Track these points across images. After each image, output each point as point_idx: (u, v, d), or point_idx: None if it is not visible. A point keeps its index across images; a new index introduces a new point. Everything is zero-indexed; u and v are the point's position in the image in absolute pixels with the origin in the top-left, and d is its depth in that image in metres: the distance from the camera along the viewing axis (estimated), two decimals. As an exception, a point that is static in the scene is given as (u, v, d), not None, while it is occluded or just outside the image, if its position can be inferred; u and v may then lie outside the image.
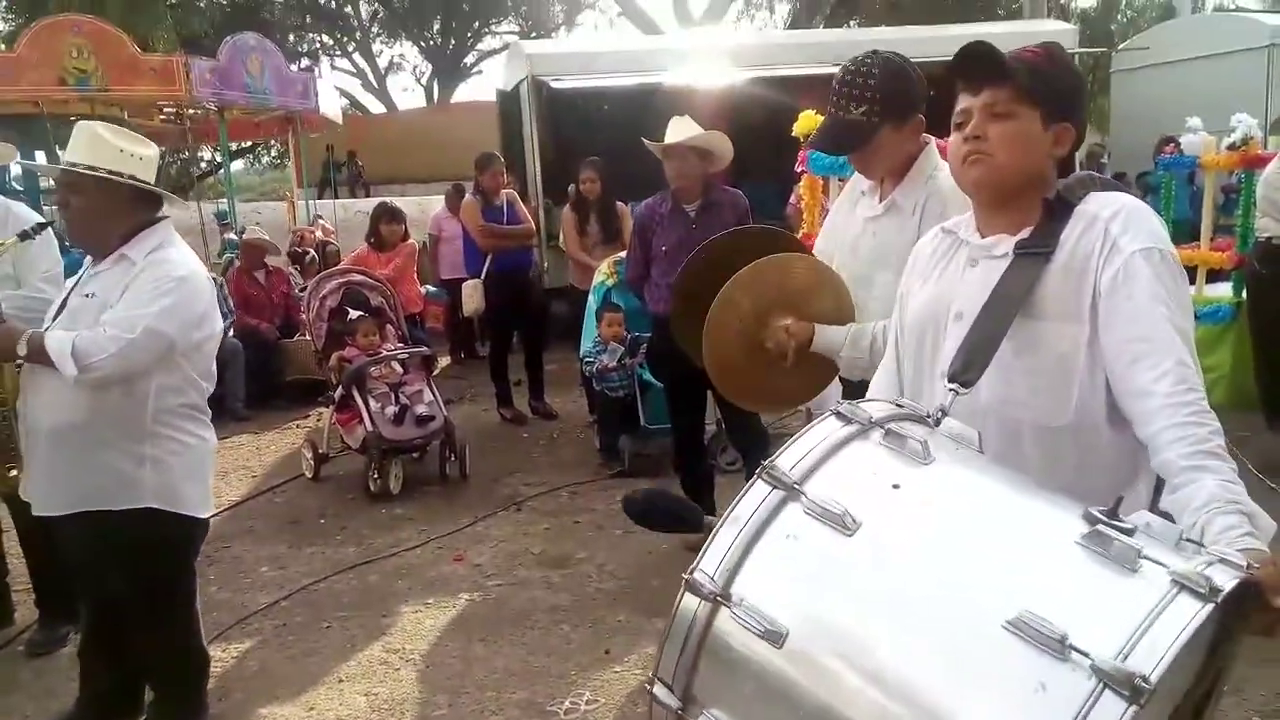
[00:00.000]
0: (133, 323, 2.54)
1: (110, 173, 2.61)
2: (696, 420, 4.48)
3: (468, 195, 7.03)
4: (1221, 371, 6.06)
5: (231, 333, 6.98)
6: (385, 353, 5.66)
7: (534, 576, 4.20)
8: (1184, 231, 7.11)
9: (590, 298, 5.93)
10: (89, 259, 2.80)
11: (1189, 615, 1.00)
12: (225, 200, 11.39)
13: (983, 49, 1.59)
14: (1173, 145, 7.39)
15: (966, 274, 1.68)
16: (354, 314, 5.83)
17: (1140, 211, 1.58)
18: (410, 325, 6.61)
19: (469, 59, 29.65)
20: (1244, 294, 6.03)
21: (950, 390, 1.48)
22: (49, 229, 3.17)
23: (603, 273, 5.91)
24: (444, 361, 8.57)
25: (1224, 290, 6.39)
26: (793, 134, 5.10)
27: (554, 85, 9.13)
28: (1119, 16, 24.20)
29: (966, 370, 1.51)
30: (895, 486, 1.20)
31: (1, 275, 3.27)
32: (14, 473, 2.91)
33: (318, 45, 27.57)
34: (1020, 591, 1.05)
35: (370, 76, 29.75)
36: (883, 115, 2.30)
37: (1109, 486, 1.39)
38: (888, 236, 2.41)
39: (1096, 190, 1.63)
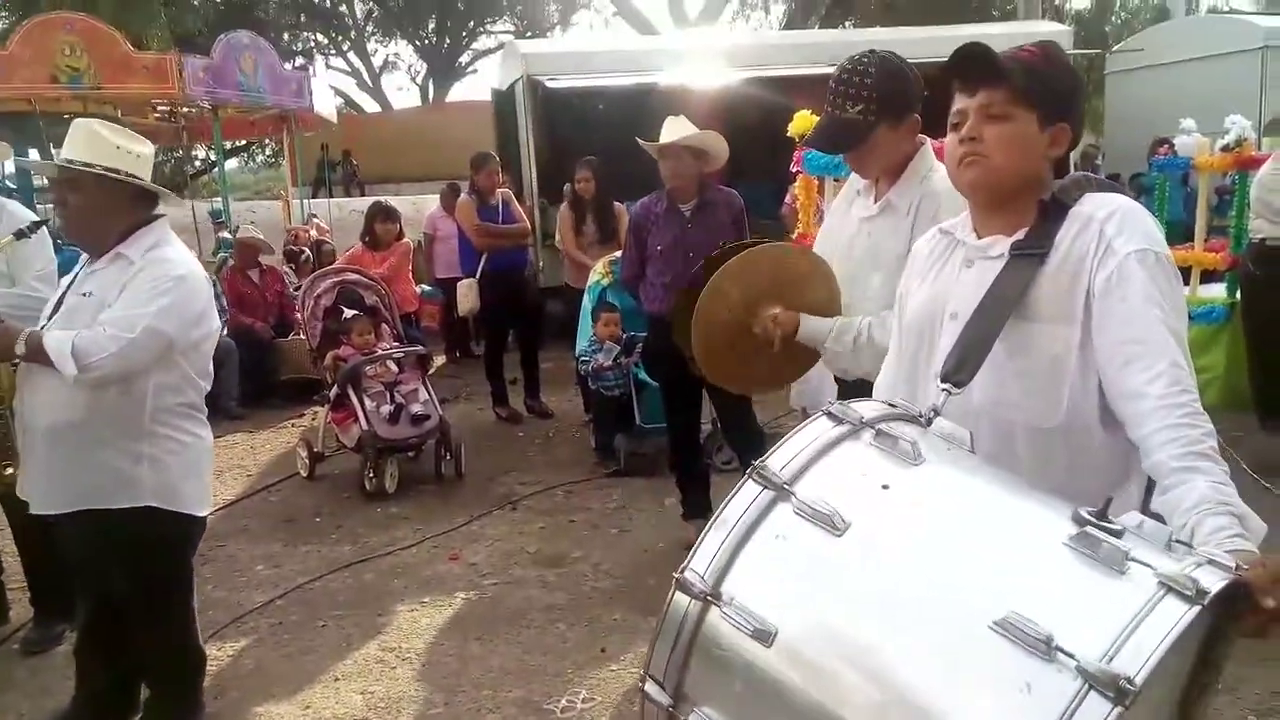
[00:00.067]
0: (132, 322, 2.54)
1: (108, 170, 2.61)
2: (692, 419, 4.48)
3: (463, 194, 7.03)
4: (1215, 372, 6.08)
5: (225, 332, 6.97)
6: (380, 352, 5.67)
7: (529, 575, 4.20)
8: (1178, 233, 7.13)
9: (585, 297, 5.94)
10: (84, 257, 2.80)
11: (1175, 617, 1.01)
12: (219, 199, 11.36)
13: (978, 50, 1.58)
14: (1167, 147, 7.41)
15: (962, 275, 1.68)
16: (349, 313, 5.83)
17: (1135, 213, 1.58)
18: (405, 324, 6.61)
19: (464, 58, 29.64)
20: (1238, 295, 6.05)
21: (943, 390, 1.49)
22: (44, 227, 3.16)
23: (598, 272, 5.91)
24: (439, 360, 8.57)
25: (1218, 291, 6.41)
26: (788, 134, 5.11)
27: (549, 85, 9.13)
28: (1113, 18, 24.23)
29: (959, 370, 1.52)
30: (885, 487, 1.21)
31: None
32: (10, 471, 2.91)
33: (312, 44, 27.50)
34: (1008, 592, 1.06)
35: (365, 75, 29.72)
36: (879, 114, 2.31)
37: (1101, 488, 1.39)
38: (881, 236, 2.43)
39: (1092, 191, 1.63)
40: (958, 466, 1.31)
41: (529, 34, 26.18)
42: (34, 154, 9.57)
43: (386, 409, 5.38)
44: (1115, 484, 1.57)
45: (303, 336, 6.25)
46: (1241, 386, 5.86)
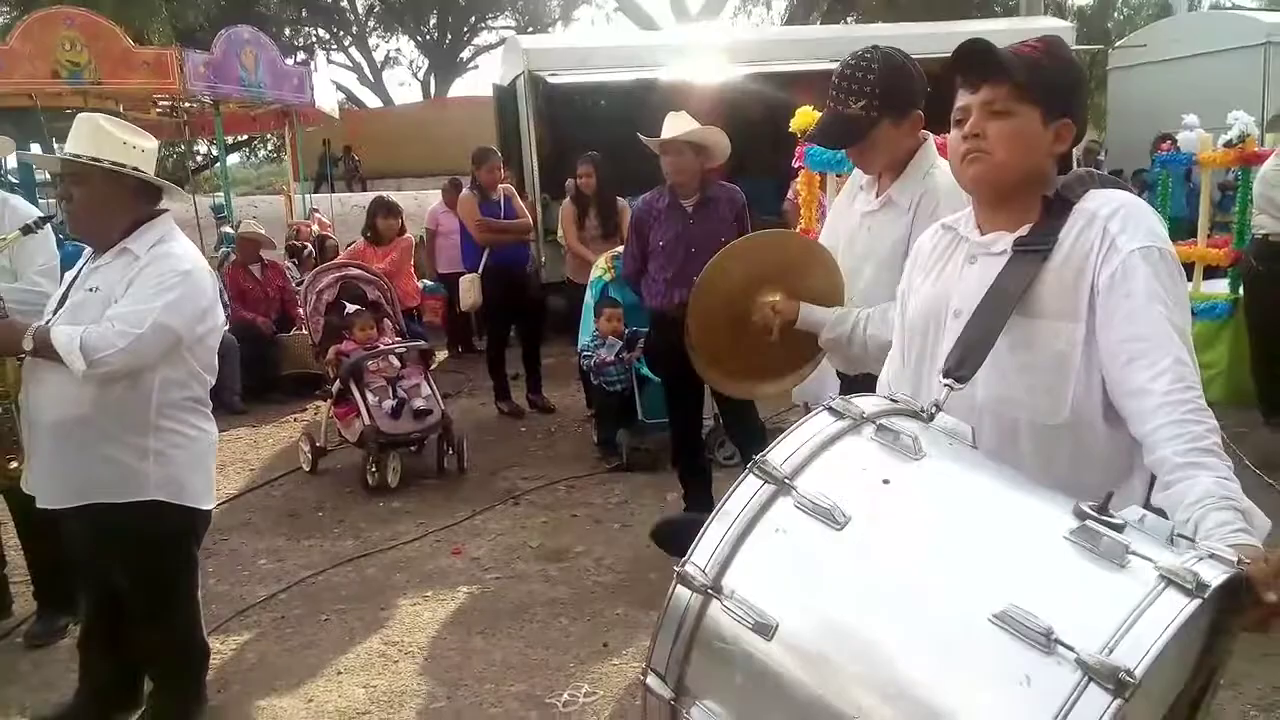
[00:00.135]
0: (140, 318, 2.54)
1: (114, 164, 2.61)
2: (694, 415, 4.49)
3: (465, 190, 7.03)
4: (1218, 368, 6.08)
5: (227, 327, 6.97)
6: (383, 347, 5.67)
7: (532, 570, 4.21)
8: (1181, 228, 7.13)
9: (587, 292, 5.94)
10: (88, 252, 2.80)
11: (1175, 610, 1.01)
12: (221, 194, 11.36)
13: (981, 46, 1.58)
14: (1169, 142, 7.42)
15: (965, 271, 1.68)
16: (351, 308, 5.84)
17: (1139, 209, 1.58)
18: (407, 319, 6.61)
19: (465, 54, 29.65)
20: (1241, 290, 6.05)
21: (945, 385, 1.49)
22: (49, 223, 3.16)
23: (600, 268, 5.92)
24: (441, 355, 8.58)
25: (1221, 287, 6.41)
26: (789, 130, 5.11)
27: (551, 80, 9.13)
28: (1115, 14, 24.21)
29: (961, 366, 1.51)
30: (886, 481, 1.21)
31: (-2, 268, 3.28)
32: (14, 465, 2.91)
33: (314, 39, 27.51)
34: (1008, 585, 1.06)
35: (366, 71, 29.73)
36: (881, 110, 2.31)
37: (1104, 484, 1.38)
38: (882, 232, 2.43)
39: (1095, 187, 1.63)
40: (959, 461, 1.31)
41: (530, 29, 26.18)
42: (35, 149, 9.57)
43: (389, 404, 5.39)
44: (1119, 480, 1.57)
45: (305, 331, 6.25)
46: (1245, 382, 5.86)
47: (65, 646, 3.45)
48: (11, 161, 11.00)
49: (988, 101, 1.58)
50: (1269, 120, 6.65)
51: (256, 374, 7.41)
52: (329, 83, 13.64)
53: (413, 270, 7.95)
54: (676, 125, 4.25)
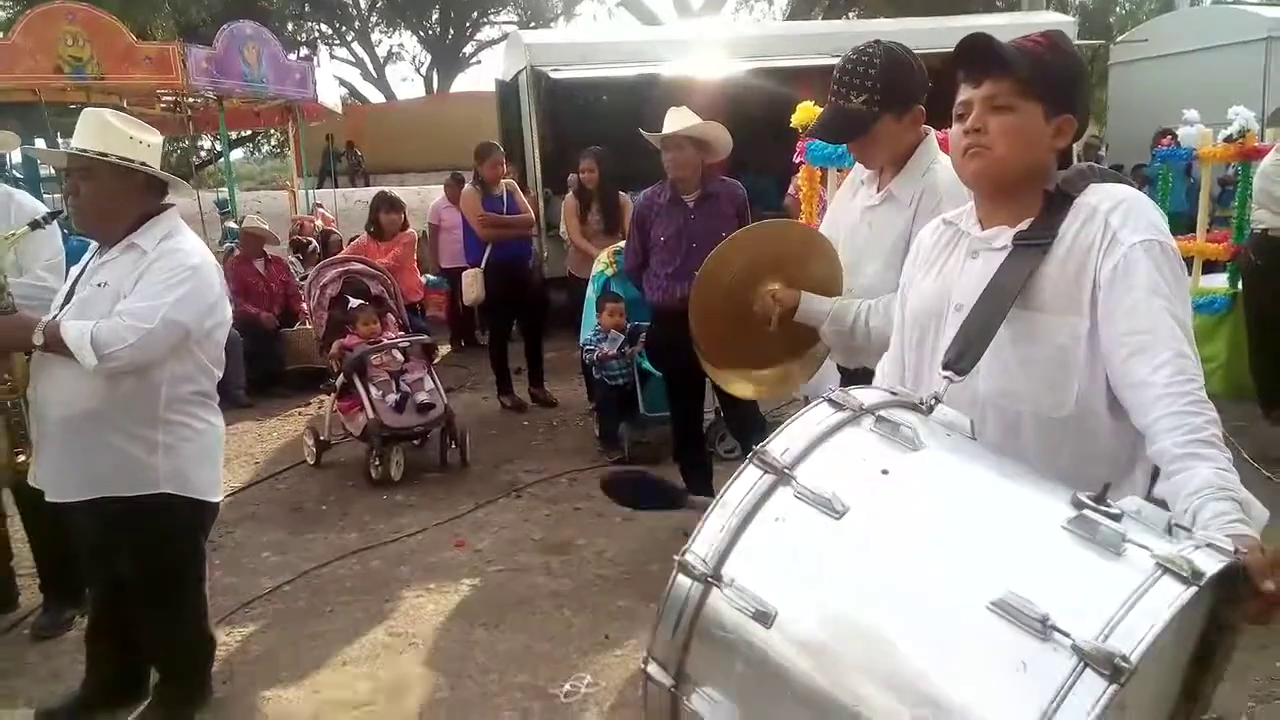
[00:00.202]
0: (151, 313, 2.55)
1: (122, 159, 2.62)
2: (695, 408, 4.50)
3: (467, 185, 7.04)
4: (1218, 362, 6.08)
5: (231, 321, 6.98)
6: (386, 341, 5.69)
7: (534, 562, 4.23)
8: (1180, 223, 7.12)
9: (590, 287, 5.96)
10: (93, 247, 2.81)
11: (1171, 597, 1.02)
12: (225, 189, 11.38)
13: (983, 41, 1.58)
14: (1170, 137, 7.41)
15: (967, 266, 1.69)
16: (355, 302, 5.85)
17: (1140, 203, 1.58)
18: (411, 314, 6.63)
19: (468, 49, 29.63)
20: (1240, 285, 6.06)
21: (944, 378, 1.50)
22: (56, 219, 3.18)
23: (602, 262, 5.93)
24: (444, 350, 8.57)
25: (1220, 281, 6.41)
26: (791, 125, 5.11)
27: (553, 75, 9.12)
28: (1117, 9, 24.13)
29: (961, 358, 1.52)
30: (884, 471, 1.23)
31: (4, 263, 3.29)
32: (22, 459, 2.93)
33: (316, 34, 27.47)
34: (1005, 573, 1.07)
35: (369, 66, 29.72)
36: (883, 105, 2.31)
37: (1107, 476, 1.38)
38: (883, 226, 2.44)
39: (1096, 181, 1.64)
40: (958, 452, 1.32)
41: (532, 25, 26.16)
42: (40, 144, 9.58)
43: (392, 398, 5.41)
44: (1121, 472, 1.58)
45: (308, 326, 6.27)
46: (1244, 376, 5.87)
47: (72, 638, 3.48)
48: (16, 156, 11.02)
49: (989, 96, 1.59)
50: (1270, 115, 6.66)
51: (261, 368, 7.42)
52: (332, 78, 13.64)
53: (416, 265, 7.97)
54: (678, 120, 4.26)
